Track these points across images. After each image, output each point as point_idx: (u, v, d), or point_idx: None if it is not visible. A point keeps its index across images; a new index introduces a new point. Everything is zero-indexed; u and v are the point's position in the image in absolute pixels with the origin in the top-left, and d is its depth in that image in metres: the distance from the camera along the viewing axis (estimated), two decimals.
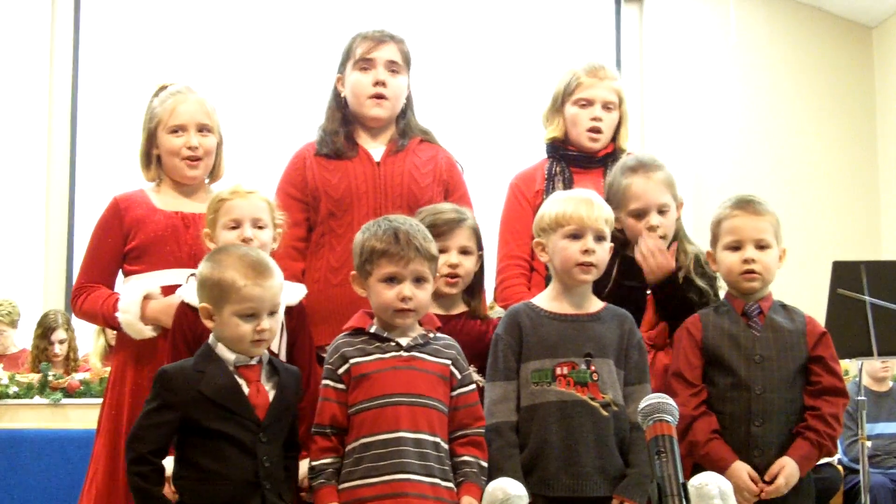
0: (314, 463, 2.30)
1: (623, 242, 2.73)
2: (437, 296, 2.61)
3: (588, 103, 3.00)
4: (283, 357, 2.49)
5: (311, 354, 2.59)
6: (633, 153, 2.99)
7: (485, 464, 2.35)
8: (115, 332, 2.92)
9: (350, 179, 2.89)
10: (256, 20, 6.39)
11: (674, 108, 6.61)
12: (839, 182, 6.76)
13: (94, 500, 2.70)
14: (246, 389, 2.20)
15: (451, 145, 3.09)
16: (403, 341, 2.34)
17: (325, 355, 2.51)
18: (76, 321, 5.25)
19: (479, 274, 2.72)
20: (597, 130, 2.99)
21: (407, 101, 3.03)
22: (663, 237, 2.72)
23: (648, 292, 2.78)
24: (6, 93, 6.02)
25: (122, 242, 2.79)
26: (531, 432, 2.42)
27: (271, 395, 2.23)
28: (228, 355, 2.22)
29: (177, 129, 2.81)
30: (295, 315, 2.55)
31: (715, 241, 2.69)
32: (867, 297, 3.78)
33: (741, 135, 6.68)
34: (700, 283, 2.74)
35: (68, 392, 4.93)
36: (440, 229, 2.62)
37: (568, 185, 2.96)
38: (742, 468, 2.49)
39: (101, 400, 2.87)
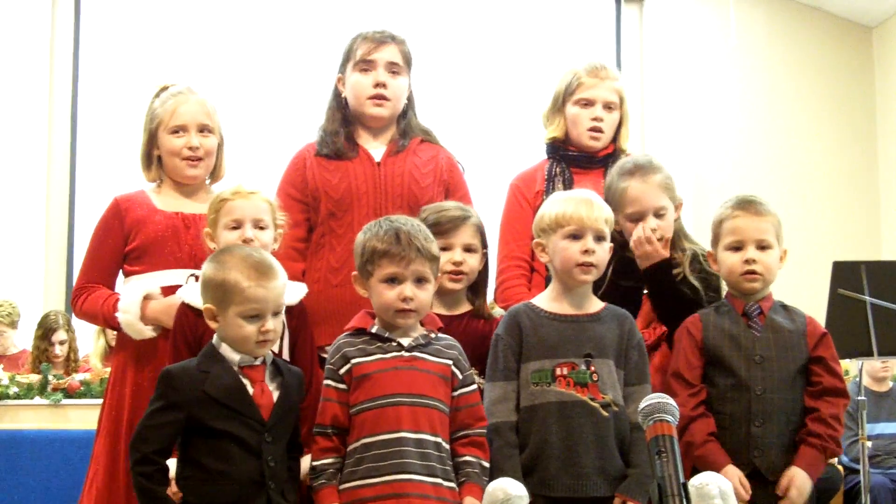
0: (315, 463, 2.30)
1: (621, 244, 2.73)
2: (441, 294, 2.62)
3: (589, 103, 3.00)
4: (285, 356, 2.49)
5: (312, 354, 2.60)
6: (630, 155, 2.98)
7: (486, 464, 2.35)
8: (115, 332, 2.92)
9: (350, 180, 2.89)
10: (257, 21, 6.38)
11: (674, 109, 6.61)
12: (839, 182, 6.75)
13: (94, 501, 2.70)
14: (250, 390, 2.20)
15: (451, 145, 3.10)
16: (405, 341, 2.34)
17: (325, 355, 2.51)
18: (77, 322, 5.24)
19: (483, 272, 2.72)
20: (598, 130, 3.00)
21: (408, 102, 3.03)
22: (660, 239, 2.72)
23: (644, 293, 2.79)
24: (6, 93, 6.01)
25: (123, 243, 2.79)
26: (531, 433, 2.42)
27: (275, 395, 2.23)
28: (233, 356, 2.22)
29: (178, 130, 2.81)
30: (296, 314, 2.56)
31: (716, 241, 2.70)
32: (867, 298, 3.78)
33: (741, 135, 6.67)
34: (693, 280, 2.74)
35: (68, 393, 4.93)
36: (444, 227, 2.62)
37: (568, 185, 2.96)
38: (734, 473, 2.49)
39: (101, 400, 2.87)
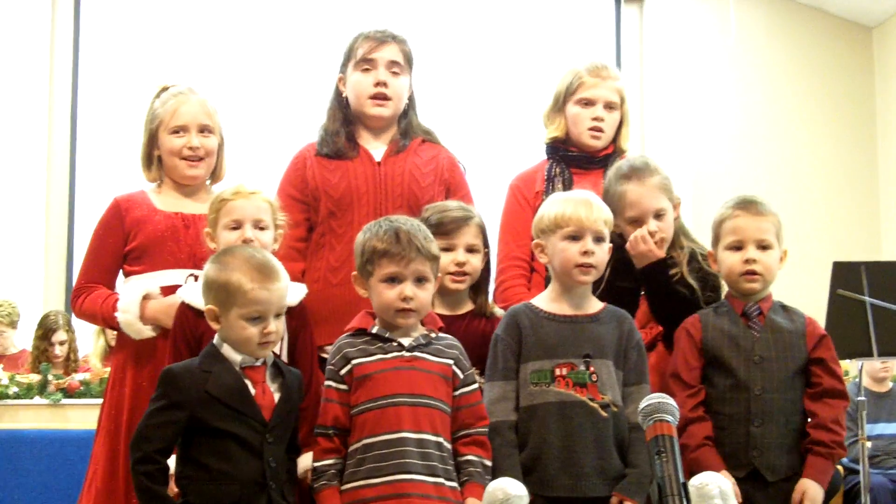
0: (317, 464, 2.31)
1: (620, 245, 2.73)
2: (443, 294, 2.62)
3: (590, 103, 3.00)
4: (284, 357, 2.49)
5: (311, 355, 2.59)
6: (626, 157, 2.97)
7: (488, 463, 2.35)
8: (115, 332, 2.92)
9: (350, 179, 2.89)
10: (258, 21, 6.38)
11: (674, 109, 6.61)
12: (839, 182, 6.75)
13: (93, 500, 2.70)
14: (252, 390, 2.20)
15: (450, 145, 3.09)
16: (405, 341, 2.34)
17: (324, 356, 2.51)
18: (77, 322, 5.24)
19: (485, 271, 2.72)
20: (598, 130, 2.99)
21: (409, 101, 3.03)
22: (662, 239, 2.71)
23: (641, 294, 2.78)
24: (6, 94, 6.01)
25: (123, 243, 2.79)
26: (530, 433, 2.43)
27: (276, 396, 2.24)
28: (234, 356, 2.22)
29: (178, 130, 2.81)
30: (296, 315, 2.55)
31: (716, 241, 2.69)
32: (867, 298, 3.78)
33: (741, 135, 6.67)
34: (691, 279, 2.73)
35: (68, 392, 4.93)
36: (447, 227, 2.63)
37: (568, 186, 2.96)
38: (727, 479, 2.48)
39: (101, 400, 2.87)
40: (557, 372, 2.43)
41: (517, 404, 2.46)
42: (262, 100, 6.23)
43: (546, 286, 2.63)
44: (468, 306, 2.70)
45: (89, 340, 5.51)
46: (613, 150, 3.05)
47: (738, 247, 2.64)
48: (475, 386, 2.41)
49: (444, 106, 5.64)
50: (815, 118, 6.78)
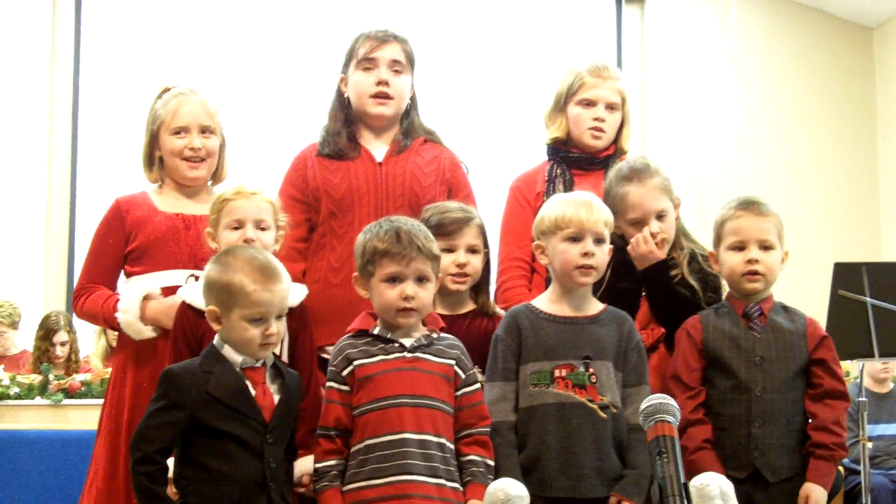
0: (318, 465, 2.31)
1: (620, 247, 2.73)
2: (444, 294, 2.62)
3: (591, 103, 3.00)
4: (284, 358, 2.49)
5: (311, 356, 2.59)
6: (626, 158, 2.97)
7: (491, 463, 2.35)
8: (115, 332, 2.92)
9: (351, 179, 2.89)
10: (259, 21, 6.38)
11: (674, 109, 6.61)
12: (840, 183, 6.75)
13: (94, 501, 2.70)
14: (253, 391, 2.20)
15: (451, 146, 3.09)
16: (407, 342, 2.34)
17: (325, 356, 2.51)
18: (78, 322, 5.24)
19: (485, 271, 2.72)
20: (600, 130, 2.99)
21: (411, 101, 3.03)
22: (664, 241, 2.71)
23: (642, 295, 2.78)
24: (7, 94, 6.01)
25: (124, 244, 2.79)
26: (530, 434, 2.43)
27: (276, 397, 2.23)
28: (235, 357, 2.22)
29: (179, 131, 2.81)
30: (296, 315, 2.55)
31: (718, 241, 2.69)
32: (868, 299, 3.78)
33: (741, 136, 6.67)
34: (691, 280, 2.73)
35: (69, 393, 4.93)
36: (448, 228, 2.63)
37: (569, 187, 2.96)
38: None
39: (101, 401, 2.88)
40: (557, 373, 2.43)
41: (517, 405, 2.46)
42: (263, 100, 6.23)
43: (547, 287, 2.63)
44: (469, 306, 2.70)
45: (90, 341, 5.51)
46: (614, 151, 3.05)
47: (740, 247, 2.63)
48: (477, 386, 2.41)
49: (446, 106, 5.64)
50: (815, 119, 6.78)
